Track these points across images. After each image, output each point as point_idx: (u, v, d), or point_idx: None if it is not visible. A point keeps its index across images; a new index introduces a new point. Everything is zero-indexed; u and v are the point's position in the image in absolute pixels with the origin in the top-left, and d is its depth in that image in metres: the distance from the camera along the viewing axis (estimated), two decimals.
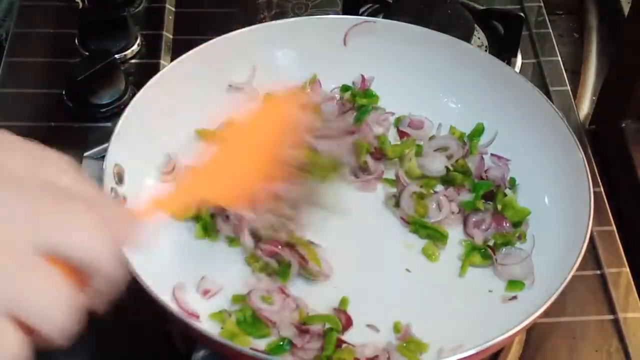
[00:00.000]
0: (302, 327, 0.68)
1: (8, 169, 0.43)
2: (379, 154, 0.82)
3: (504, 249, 0.75)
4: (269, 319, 0.68)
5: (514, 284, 0.72)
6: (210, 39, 0.82)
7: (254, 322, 0.68)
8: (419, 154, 0.82)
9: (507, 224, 0.77)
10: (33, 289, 0.39)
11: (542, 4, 1.08)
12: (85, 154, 0.77)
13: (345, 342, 0.67)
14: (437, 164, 0.81)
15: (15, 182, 0.42)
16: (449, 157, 0.82)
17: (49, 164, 0.44)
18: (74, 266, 0.42)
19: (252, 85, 0.85)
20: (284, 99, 0.77)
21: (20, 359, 0.39)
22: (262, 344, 0.68)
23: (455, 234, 0.77)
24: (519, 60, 0.99)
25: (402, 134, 0.85)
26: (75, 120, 0.90)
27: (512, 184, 0.80)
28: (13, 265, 0.39)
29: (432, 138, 0.84)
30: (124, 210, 0.49)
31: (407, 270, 0.74)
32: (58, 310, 0.40)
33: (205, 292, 0.71)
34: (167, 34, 1.01)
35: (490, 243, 0.76)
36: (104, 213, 0.44)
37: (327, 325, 0.68)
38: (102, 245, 0.42)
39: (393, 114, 0.86)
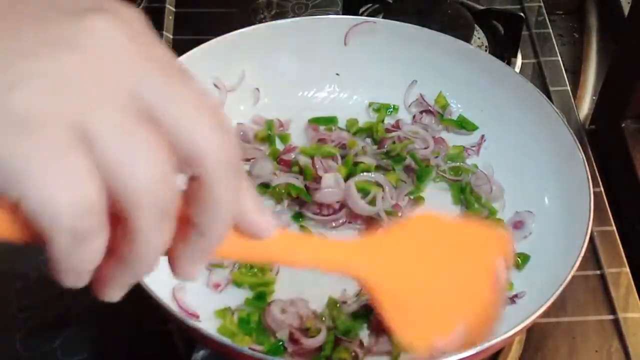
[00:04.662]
0: (295, 335, 0.67)
1: None
2: None
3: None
4: (272, 330, 0.68)
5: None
6: (210, 39, 0.82)
7: (258, 327, 0.68)
8: None
9: None
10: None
11: (542, 4, 1.08)
12: None
13: (343, 340, 0.67)
14: None
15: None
16: None
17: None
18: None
19: (249, 85, 0.85)
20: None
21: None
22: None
23: None
24: (519, 60, 0.99)
25: None
26: None
27: None
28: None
29: None
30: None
31: None
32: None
33: (216, 286, 0.71)
34: (167, 34, 1.01)
35: None
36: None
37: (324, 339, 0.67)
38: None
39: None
